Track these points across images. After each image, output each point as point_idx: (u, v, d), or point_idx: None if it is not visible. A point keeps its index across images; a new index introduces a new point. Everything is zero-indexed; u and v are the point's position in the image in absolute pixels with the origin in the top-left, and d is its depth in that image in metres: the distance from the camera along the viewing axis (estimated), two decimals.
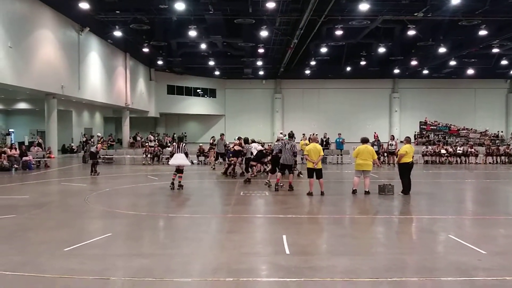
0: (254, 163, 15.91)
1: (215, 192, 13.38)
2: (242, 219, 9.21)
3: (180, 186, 13.09)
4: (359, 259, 6.25)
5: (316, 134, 13.16)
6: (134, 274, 5.56)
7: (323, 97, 49.67)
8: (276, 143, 14.71)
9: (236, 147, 16.57)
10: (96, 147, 18.84)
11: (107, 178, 16.32)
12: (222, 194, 12.74)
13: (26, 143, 26.20)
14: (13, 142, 25.84)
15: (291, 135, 13.65)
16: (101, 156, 22.01)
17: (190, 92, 47.62)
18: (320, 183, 11.93)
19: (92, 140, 27.50)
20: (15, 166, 19.02)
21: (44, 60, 22.43)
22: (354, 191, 12.08)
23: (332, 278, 5.44)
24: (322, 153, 12.10)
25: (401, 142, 20.08)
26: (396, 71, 44.26)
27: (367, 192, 12.00)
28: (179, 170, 13.25)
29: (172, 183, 13.12)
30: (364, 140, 12.46)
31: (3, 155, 19.21)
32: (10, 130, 33.03)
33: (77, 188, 13.78)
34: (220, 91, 49.95)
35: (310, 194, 11.81)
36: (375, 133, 24.21)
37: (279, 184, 12.88)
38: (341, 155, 22.48)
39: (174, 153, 13.66)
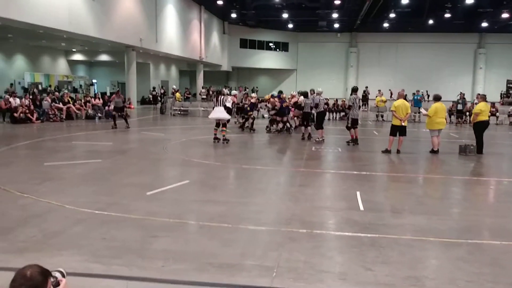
0: (276, 117, 15.70)
1: (286, 146, 13.38)
2: (314, 173, 9.21)
3: (225, 140, 12.80)
4: (436, 219, 6.03)
5: (403, 90, 12.61)
6: (210, 219, 5.79)
7: (402, 52, 47.10)
8: (312, 98, 14.15)
9: (253, 100, 16.62)
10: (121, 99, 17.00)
11: (183, 129, 16.93)
12: (294, 149, 12.74)
13: (108, 94, 27.69)
14: (96, 92, 27.44)
15: (355, 90, 13.42)
16: (177, 108, 22.76)
17: (263, 46, 47.27)
18: (400, 140, 11.54)
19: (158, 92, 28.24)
20: (99, 114, 20.29)
21: (124, 13, 23.18)
22: (436, 151, 11.55)
23: (408, 236, 5.31)
24: (409, 111, 11.68)
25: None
26: (484, 24, 40.47)
27: (436, 152, 11.52)
28: (219, 124, 13.03)
29: (215, 138, 12.97)
30: (437, 98, 11.79)
31: (88, 104, 20.54)
32: (93, 80, 35.02)
33: (155, 137, 14.46)
34: (293, 45, 49.06)
35: (387, 151, 11.48)
36: (461, 92, 22.70)
37: (318, 138, 13.19)
38: (419, 113, 21.46)
39: (214, 107, 13.37)
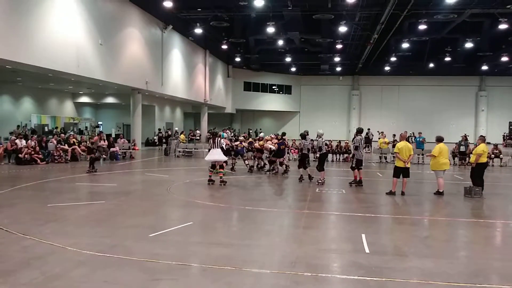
0: (274, 159, 15.90)
1: (289, 188, 13.34)
2: (318, 215, 9.14)
3: (223, 182, 12.64)
4: (444, 262, 5.92)
5: (406, 132, 12.72)
6: (213, 262, 5.70)
7: (403, 95, 47.70)
8: (316, 139, 14.26)
9: (244, 143, 16.98)
10: (92, 139, 17.13)
11: (187, 171, 16.95)
12: (296, 190, 12.69)
13: (113, 135, 27.95)
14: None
15: (360, 131, 13.50)
16: (181, 150, 22.89)
17: (266, 88, 48.04)
18: (404, 182, 11.51)
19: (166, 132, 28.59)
20: (104, 156, 20.37)
21: (131, 57, 23.77)
22: (441, 193, 11.49)
23: (415, 280, 5.20)
24: (412, 152, 11.71)
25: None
26: (484, 68, 41.22)
27: (441, 193, 11.47)
28: (214, 166, 12.96)
29: (210, 179, 12.87)
30: (440, 139, 11.87)
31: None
32: (99, 122, 35.44)
33: (159, 178, 14.46)
34: (296, 88, 49.85)
35: (391, 193, 11.43)
36: (465, 134, 22.78)
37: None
38: (422, 155, 21.49)
39: (210, 149, 13.19)
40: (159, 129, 31.51)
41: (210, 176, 13.00)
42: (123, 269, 5.42)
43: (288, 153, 18.45)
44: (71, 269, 5.38)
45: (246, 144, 17.42)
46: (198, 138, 29.62)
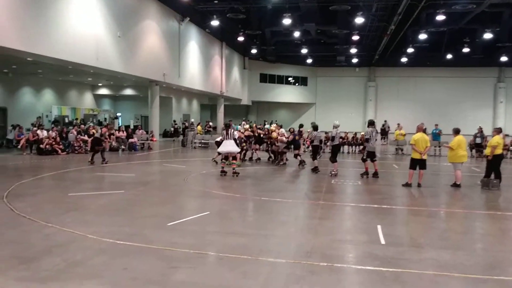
0: (286, 151, 16.03)
1: (304, 179, 13.36)
2: (334, 206, 9.17)
3: (235, 173, 12.66)
4: (461, 254, 5.92)
5: (422, 123, 12.59)
6: (230, 251, 5.80)
7: (420, 86, 47.01)
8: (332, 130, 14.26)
9: (246, 133, 16.73)
10: (101, 130, 17.12)
11: (203, 162, 17.11)
12: (312, 182, 12.71)
13: (132, 127, 28.25)
14: (120, 125, 28.08)
15: (372, 123, 13.44)
16: (198, 141, 23.04)
17: (282, 80, 47.89)
18: (420, 174, 11.45)
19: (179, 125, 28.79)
20: (122, 147, 20.70)
21: (149, 49, 23.94)
22: (458, 185, 11.40)
23: (432, 272, 5.21)
24: (428, 144, 11.62)
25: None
26: (503, 58, 40.28)
27: (458, 185, 11.37)
28: (227, 157, 13.00)
29: (223, 171, 12.91)
30: (457, 131, 11.73)
31: (112, 136, 21.00)
32: (117, 114, 35.87)
33: (176, 169, 14.64)
34: (312, 79, 49.57)
35: (407, 185, 11.38)
36: (480, 126, 22.45)
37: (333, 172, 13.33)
38: (439, 147, 21.27)
39: (223, 140, 13.23)
40: (174, 121, 31.74)
41: (223, 168, 13.11)
42: (142, 257, 5.56)
43: (303, 144, 18.49)
44: (91, 256, 5.54)
45: (244, 134, 16.98)
46: (211, 129, 29.69)
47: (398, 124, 23.69)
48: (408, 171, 11.60)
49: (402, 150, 22.20)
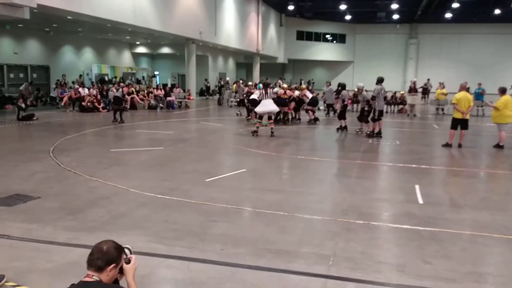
0: (309, 108, 15.91)
1: (342, 139, 13.23)
2: (371, 166, 9.09)
3: (272, 132, 12.58)
4: (501, 215, 5.80)
5: (466, 82, 12.04)
6: (266, 207, 5.90)
7: (465, 44, 44.71)
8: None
9: (289, 92, 16.09)
10: (122, 90, 16.06)
11: (239, 120, 17.19)
12: (349, 141, 12.58)
13: (169, 85, 28.55)
14: (158, 83, 28.43)
15: (381, 80, 12.78)
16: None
17: (319, 37, 46.70)
18: (462, 134, 11.11)
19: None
20: (160, 105, 21.04)
21: (185, 7, 23.76)
22: (501, 146, 11.02)
23: (470, 232, 5.15)
24: (472, 103, 11.19)
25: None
26: None
27: (501, 146, 10.98)
28: (261, 117, 12.91)
29: (255, 131, 12.73)
30: (504, 90, 11.17)
31: (150, 94, 21.34)
32: (155, 72, 36.25)
33: (213, 127, 14.82)
34: (350, 37, 48.06)
35: (447, 145, 11.09)
36: None
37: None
38: (482, 106, 20.46)
39: (261, 99, 12.98)
40: (206, 79, 31.83)
41: (257, 128, 12.96)
42: (182, 211, 5.75)
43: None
44: (134, 209, 5.78)
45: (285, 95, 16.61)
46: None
47: (440, 83, 22.81)
48: (449, 131, 11.28)
49: (443, 109, 21.52)
